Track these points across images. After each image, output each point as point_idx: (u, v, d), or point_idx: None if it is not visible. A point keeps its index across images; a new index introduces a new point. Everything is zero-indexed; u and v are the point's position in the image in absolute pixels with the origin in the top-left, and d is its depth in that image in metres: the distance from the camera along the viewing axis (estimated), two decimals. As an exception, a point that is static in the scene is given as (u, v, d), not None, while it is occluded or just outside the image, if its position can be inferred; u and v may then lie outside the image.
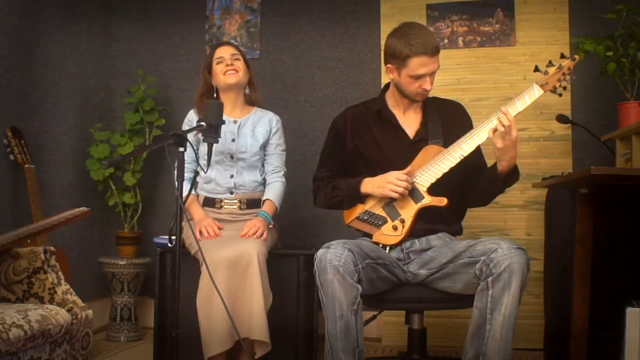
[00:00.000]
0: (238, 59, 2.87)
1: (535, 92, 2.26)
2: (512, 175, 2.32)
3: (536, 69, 2.28)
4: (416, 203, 2.31)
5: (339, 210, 2.55)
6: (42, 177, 3.22)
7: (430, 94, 2.48)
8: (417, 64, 2.28)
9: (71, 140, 3.54)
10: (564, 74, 2.26)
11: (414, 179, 2.31)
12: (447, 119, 2.43)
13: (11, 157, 3.00)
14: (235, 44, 3.08)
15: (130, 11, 3.93)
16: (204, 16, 3.85)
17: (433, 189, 2.30)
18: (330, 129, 2.58)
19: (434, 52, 2.28)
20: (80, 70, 3.64)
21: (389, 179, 2.29)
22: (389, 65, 2.37)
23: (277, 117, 2.98)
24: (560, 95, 2.31)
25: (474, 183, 2.39)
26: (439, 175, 2.29)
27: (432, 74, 2.32)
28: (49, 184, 3.34)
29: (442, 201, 2.28)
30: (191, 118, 2.94)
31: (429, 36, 2.31)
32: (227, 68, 2.84)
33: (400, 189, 2.27)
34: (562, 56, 2.29)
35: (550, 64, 2.29)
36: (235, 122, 2.86)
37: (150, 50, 3.90)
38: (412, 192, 2.31)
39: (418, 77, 2.30)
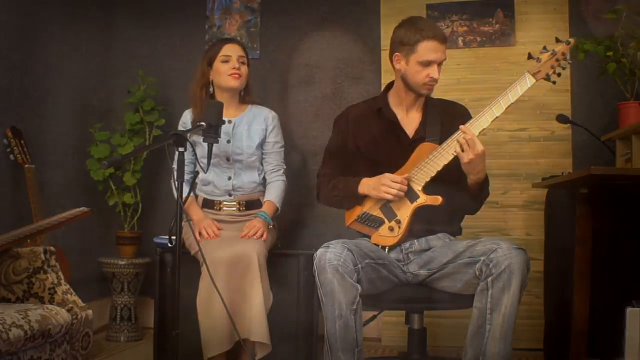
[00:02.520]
0: (244, 63, 2.85)
1: (527, 81, 2.23)
2: (481, 189, 2.32)
3: (529, 57, 2.26)
4: (411, 203, 2.30)
5: (339, 210, 2.55)
6: (42, 177, 3.22)
7: (432, 94, 2.48)
8: (427, 49, 2.29)
9: (71, 140, 3.54)
10: (557, 60, 2.23)
11: (409, 179, 2.31)
12: (448, 119, 2.42)
13: (11, 157, 3.00)
14: (241, 42, 3.04)
15: (130, 11, 3.93)
16: (204, 16, 3.85)
17: (429, 188, 2.29)
18: (333, 127, 2.58)
19: (442, 39, 2.31)
20: (80, 70, 3.64)
21: (383, 181, 2.29)
22: (397, 53, 2.36)
23: (272, 114, 2.96)
24: (554, 82, 2.26)
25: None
26: (433, 173, 2.28)
27: (439, 64, 2.32)
28: (49, 184, 3.34)
29: (437, 200, 2.27)
30: (185, 120, 2.93)
31: (437, 26, 2.39)
32: (233, 71, 2.81)
33: (394, 191, 2.27)
34: (557, 40, 2.27)
35: (544, 49, 2.26)
36: (229, 121, 2.83)
37: (150, 50, 3.90)
38: (407, 192, 2.30)
39: (427, 64, 2.30)
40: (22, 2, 3.16)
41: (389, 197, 2.28)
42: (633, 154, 2.69)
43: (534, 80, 2.24)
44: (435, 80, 2.34)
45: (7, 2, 3.06)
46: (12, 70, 3.09)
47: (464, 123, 2.28)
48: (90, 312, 2.26)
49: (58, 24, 3.44)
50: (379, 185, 2.30)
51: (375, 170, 2.36)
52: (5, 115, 3.05)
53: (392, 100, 2.49)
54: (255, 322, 2.45)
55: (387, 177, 2.30)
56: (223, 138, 2.80)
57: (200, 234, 2.70)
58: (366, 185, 2.36)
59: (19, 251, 2.29)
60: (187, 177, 2.72)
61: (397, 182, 2.27)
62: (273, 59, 3.75)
